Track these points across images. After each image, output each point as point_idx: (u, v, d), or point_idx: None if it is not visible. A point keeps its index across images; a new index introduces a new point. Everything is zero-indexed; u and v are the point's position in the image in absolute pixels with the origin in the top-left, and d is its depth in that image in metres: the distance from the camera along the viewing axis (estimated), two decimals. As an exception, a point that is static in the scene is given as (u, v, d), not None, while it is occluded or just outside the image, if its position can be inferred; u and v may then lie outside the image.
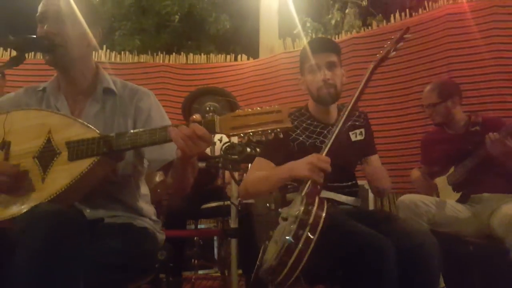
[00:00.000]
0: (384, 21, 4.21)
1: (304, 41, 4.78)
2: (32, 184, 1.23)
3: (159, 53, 4.66)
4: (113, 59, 4.54)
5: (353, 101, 1.68)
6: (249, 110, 1.15)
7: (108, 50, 4.58)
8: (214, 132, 1.19)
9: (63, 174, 1.21)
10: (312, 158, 1.56)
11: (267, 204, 2.79)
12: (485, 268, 2.22)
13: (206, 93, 2.49)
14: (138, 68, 4.55)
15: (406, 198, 2.24)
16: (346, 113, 1.67)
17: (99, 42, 1.48)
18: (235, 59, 4.90)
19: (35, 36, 1.36)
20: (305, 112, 1.97)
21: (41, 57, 1.42)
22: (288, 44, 4.68)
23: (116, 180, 1.41)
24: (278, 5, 5.35)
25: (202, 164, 2.32)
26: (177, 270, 2.80)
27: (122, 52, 4.61)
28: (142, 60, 4.62)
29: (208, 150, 2.54)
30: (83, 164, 1.22)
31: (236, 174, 2.34)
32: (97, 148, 1.23)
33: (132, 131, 1.26)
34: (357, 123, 1.93)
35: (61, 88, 1.49)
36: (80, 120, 1.30)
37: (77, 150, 1.23)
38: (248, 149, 2.16)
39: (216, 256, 3.42)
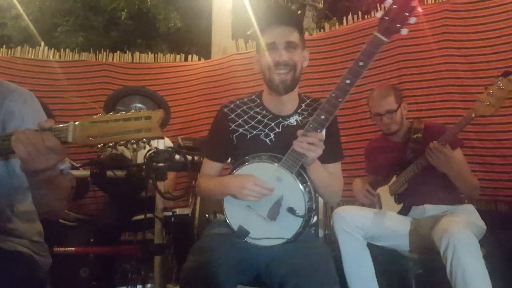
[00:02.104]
0: (337, 24, 4.12)
1: (253, 43, 4.62)
2: None
3: (103, 51, 4.36)
4: (51, 57, 4.20)
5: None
6: (111, 114, 0.94)
7: (46, 47, 4.23)
8: (66, 142, 0.97)
9: None
10: (247, 183, 1.47)
11: (206, 215, 2.57)
12: (424, 285, 2.10)
13: (132, 93, 2.26)
14: (79, 67, 4.24)
15: (341, 209, 2.07)
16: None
17: None
18: (186, 59, 4.68)
19: None
20: (256, 98, 1.75)
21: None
22: (241, 45, 4.50)
23: None
24: (231, 5, 5.18)
25: (122, 173, 2.10)
26: (109, 286, 2.56)
27: (62, 50, 4.27)
28: (83, 58, 4.31)
29: (129, 155, 2.32)
30: None
31: (162, 184, 2.12)
32: None
33: None
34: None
35: None
36: None
37: None
38: (177, 156, 1.94)
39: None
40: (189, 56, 4.69)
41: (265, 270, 1.49)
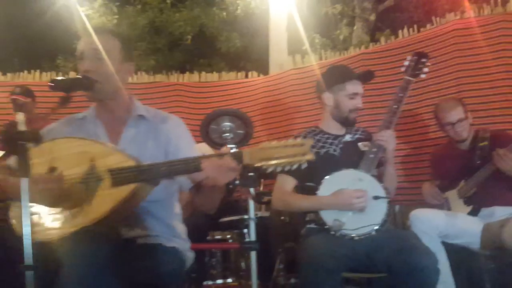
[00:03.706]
0: (393, 36, 4.29)
1: (312, 57, 4.88)
2: (80, 206, 1.35)
3: (173, 72, 4.77)
4: (129, 80, 4.65)
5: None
6: (275, 143, 1.26)
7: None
8: (242, 163, 1.30)
9: (107, 199, 1.33)
10: (349, 198, 1.90)
11: (282, 218, 2.87)
12: (496, 280, 2.27)
13: (222, 114, 2.62)
14: (154, 88, 4.66)
15: (419, 211, 2.31)
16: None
17: (131, 75, 1.62)
18: (246, 76, 5.01)
19: (78, 77, 1.52)
20: (315, 129, 2.28)
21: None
22: (298, 60, 4.77)
23: (155, 199, 1.52)
24: (286, 23, 5.47)
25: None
26: (199, 280, 2.89)
27: (138, 72, 4.73)
28: (157, 80, 4.74)
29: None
30: (126, 190, 1.34)
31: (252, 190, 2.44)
32: (137, 175, 1.35)
33: (167, 161, 1.41)
34: (362, 136, 2.28)
35: (99, 116, 1.62)
36: (119, 149, 1.44)
37: (119, 177, 1.35)
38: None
39: (232, 267, 3.49)
40: (249, 73, 5.02)
41: (366, 259, 1.79)
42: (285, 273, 2.90)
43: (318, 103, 4.22)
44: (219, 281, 3.07)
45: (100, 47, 1.55)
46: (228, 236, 3.04)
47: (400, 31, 4.06)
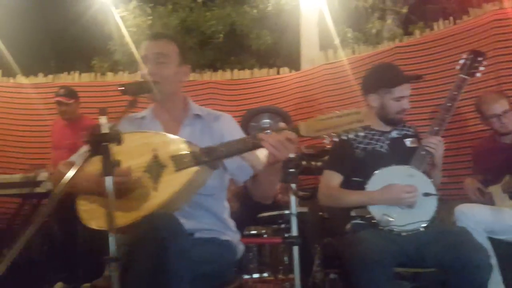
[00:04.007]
0: (427, 29, 4.23)
1: (344, 52, 4.86)
2: (146, 192, 1.43)
3: (206, 70, 4.85)
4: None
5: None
6: (330, 113, 1.29)
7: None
8: (299, 135, 1.35)
9: (173, 183, 1.41)
10: (400, 193, 1.90)
11: (320, 213, 2.89)
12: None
13: (262, 112, 2.67)
14: (187, 86, 4.72)
15: (464, 207, 2.29)
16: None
17: (187, 77, 1.72)
18: (278, 73, 5.04)
19: (142, 81, 1.62)
20: None
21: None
22: (330, 55, 4.76)
23: (208, 193, 1.60)
24: (317, 18, 5.45)
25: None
26: (239, 273, 2.95)
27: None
28: (190, 79, 4.82)
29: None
30: (188, 173, 1.42)
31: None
32: (198, 158, 1.43)
33: (225, 142, 1.48)
34: (409, 133, 2.24)
35: (157, 116, 1.71)
36: (178, 138, 1.51)
37: (181, 161, 1.44)
38: (304, 162, 2.29)
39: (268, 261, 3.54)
40: (281, 70, 5.04)
41: (415, 254, 1.80)
42: (323, 268, 2.92)
43: (351, 98, 4.27)
44: (256, 275, 3.12)
45: (161, 51, 1.65)
46: (263, 231, 3.09)
47: (435, 24, 3.99)
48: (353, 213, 2.03)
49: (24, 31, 6.79)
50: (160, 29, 6.10)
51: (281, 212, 2.78)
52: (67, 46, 7.51)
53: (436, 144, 2.02)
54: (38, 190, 3.32)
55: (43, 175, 3.34)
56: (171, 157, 1.44)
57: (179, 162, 1.43)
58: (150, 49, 1.66)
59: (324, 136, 1.33)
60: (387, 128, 2.19)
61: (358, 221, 2.01)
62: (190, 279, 1.30)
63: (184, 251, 1.27)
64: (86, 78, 4.84)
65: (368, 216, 1.94)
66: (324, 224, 2.91)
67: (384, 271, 1.70)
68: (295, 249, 2.54)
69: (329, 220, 2.79)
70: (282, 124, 1.43)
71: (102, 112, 1.26)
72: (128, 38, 6.13)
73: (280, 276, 2.98)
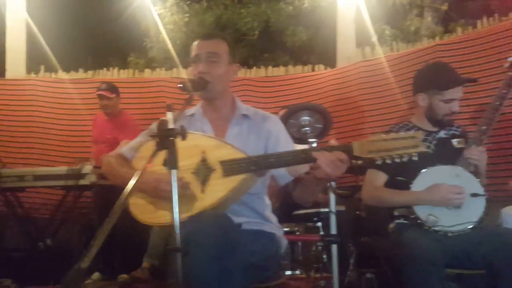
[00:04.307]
0: (470, 27, 4.10)
1: (381, 49, 4.78)
2: (195, 194, 1.46)
3: (241, 67, 4.86)
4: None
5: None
6: (385, 135, 1.27)
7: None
8: (352, 156, 1.32)
9: (220, 188, 1.44)
10: (448, 193, 1.86)
11: (357, 212, 2.86)
12: None
13: (302, 109, 2.66)
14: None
15: (509, 208, 2.22)
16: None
17: (236, 75, 1.73)
18: (313, 70, 5.01)
19: (195, 78, 1.65)
20: (408, 123, 2.20)
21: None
22: (367, 52, 4.70)
23: (252, 192, 1.62)
24: (354, 14, 5.38)
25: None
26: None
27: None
28: (226, 75, 4.85)
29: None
30: (236, 179, 1.45)
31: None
32: (247, 166, 1.45)
33: (275, 152, 1.50)
34: (457, 133, 2.19)
35: (205, 114, 1.74)
36: (228, 143, 1.53)
37: (230, 167, 1.46)
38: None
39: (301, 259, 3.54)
40: (316, 66, 5.01)
41: (462, 255, 1.77)
42: (358, 268, 2.90)
43: (388, 96, 4.20)
44: (288, 273, 3.13)
45: (213, 50, 1.68)
46: (296, 229, 3.09)
47: (478, 21, 3.86)
48: (396, 213, 2.00)
49: (65, 29, 7.01)
50: (196, 27, 6.15)
51: (317, 210, 2.77)
52: (104, 43, 7.69)
53: (478, 156, 1.99)
54: (82, 182, 3.42)
55: (87, 168, 3.44)
56: (219, 161, 1.47)
57: (227, 168, 1.45)
58: (202, 48, 1.68)
59: (377, 158, 1.31)
60: (435, 128, 2.15)
61: (402, 221, 1.98)
62: (242, 269, 1.33)
63: (238, 243, 1.31)
64: (124, 74, 4.95)
65: (412, 216, 1.91)
66: (360, 223, 2.88)
67: (438, 271, 1.67)
68: (334, 248, 2.54)
69: (366, 219, 2.76)
70: (333, 141, 1.42)
71: (169, 108, 1.29)
72: (165, 35, 6.21)
73: (312, 274, 2.97)
